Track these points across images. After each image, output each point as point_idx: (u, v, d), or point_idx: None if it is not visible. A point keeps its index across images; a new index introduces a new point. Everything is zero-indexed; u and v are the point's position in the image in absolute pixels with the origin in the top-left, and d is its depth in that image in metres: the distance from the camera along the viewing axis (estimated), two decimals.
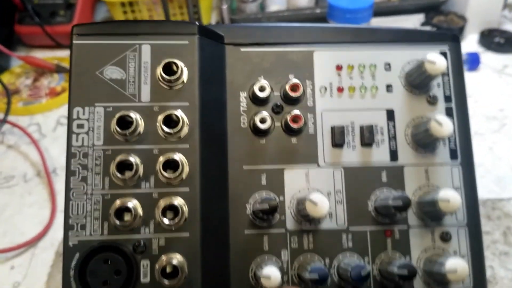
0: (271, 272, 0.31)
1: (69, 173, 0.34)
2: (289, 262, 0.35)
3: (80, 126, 0.34)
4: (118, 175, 0.33)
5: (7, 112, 0.69)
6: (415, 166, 0.37)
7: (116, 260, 0.32)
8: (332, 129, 0.37)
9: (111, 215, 0.32)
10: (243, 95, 0.37)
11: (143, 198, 0.33)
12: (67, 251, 0.32)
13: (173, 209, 0.33)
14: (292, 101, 0.37)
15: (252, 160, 0.36)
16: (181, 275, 0.31)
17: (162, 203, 0.33)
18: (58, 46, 0.85)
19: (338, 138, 0.36)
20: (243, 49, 0.37)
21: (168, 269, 0.32)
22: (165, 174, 0.33)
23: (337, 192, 0.36)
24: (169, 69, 0.34)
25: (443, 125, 0.34)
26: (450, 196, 0.33)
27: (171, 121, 0.33)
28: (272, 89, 0.36)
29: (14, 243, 0.56)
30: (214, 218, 0.34)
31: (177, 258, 0.32)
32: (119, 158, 0.33)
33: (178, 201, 0.33)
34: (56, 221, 0.59)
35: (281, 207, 0.35)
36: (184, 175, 0.33)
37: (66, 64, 0.80)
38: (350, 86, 0.38)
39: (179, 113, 0.33)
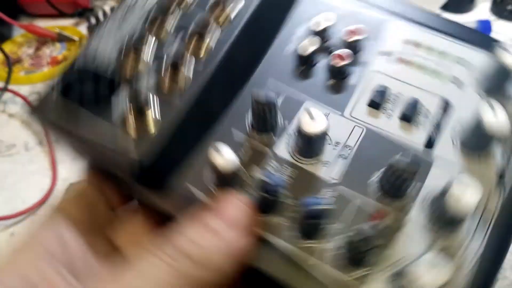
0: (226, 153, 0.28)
1: None
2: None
3: None
4: None
5: (7, 80, 0.68)
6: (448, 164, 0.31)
7: None
8: (375, 89, 0.34)
9: None
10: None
11: None
12: None
13: None
14: (347, 47, 0.35)
15: (281, 76, 0.34)
16: None
17: None
18: (60, 15, 0.84)
19: (376, 97, 0.33)
20: None
21: None
22: None
23: (347, 146, 0.32)
24: None
25: (498, 117, 0.29)
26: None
27: None
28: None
29: (16, 211, 0.56)
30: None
31: None
32: None
33: None
34: (56, 188, 0.59)
35: (280, 130, 0.32)
36: None
37: (68, 33, 0.79)
38: (412, 61, 0.35)
39: None
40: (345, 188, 0.30)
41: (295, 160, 0.31)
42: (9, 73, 0.70)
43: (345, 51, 0.34)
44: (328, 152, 0.32)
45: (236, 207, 0.28)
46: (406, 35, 0.36)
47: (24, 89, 0.72)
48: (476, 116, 0.30)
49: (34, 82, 0.73)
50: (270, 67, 0.35)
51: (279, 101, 0.33)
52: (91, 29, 0.77)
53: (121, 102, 0.31)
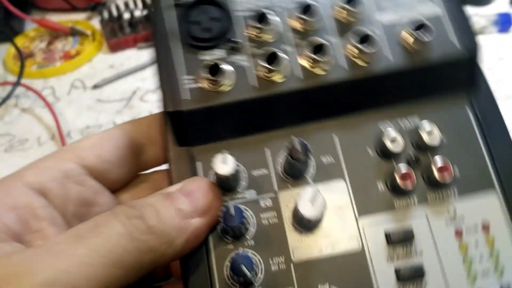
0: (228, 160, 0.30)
1: None
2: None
3: None
4: None
5: (20, 74, 0.68)
6: None
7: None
8: None
9: None
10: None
11: None
12: None
13: None
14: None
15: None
16: None
17: None
18: (73, 9, 0.83)
19: None
20: None
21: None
22: None
23: None
24: None
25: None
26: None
27: None
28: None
29: None
30: None
31: None
32: None
33: None
34: None
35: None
36: None
37: (80, 27, 0.78)
38: None
39: None
40: None
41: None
42: (22, 67, 0.69)
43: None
44: None
45: (203, 192, 0.30)
46: None
47: (37, 84, 0.71)
48: None
49: (46, 77, 0.73)
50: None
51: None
52: (104, 23, 0.76)
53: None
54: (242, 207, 0.31)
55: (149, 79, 0.71)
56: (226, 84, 0.31)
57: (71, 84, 0.72)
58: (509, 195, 0.32)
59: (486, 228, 0.31)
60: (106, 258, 0.26)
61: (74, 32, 0.78)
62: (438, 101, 0.34)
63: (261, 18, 0.32)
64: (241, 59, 0.32)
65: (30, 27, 0.82)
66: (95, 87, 0.70)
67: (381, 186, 0.32)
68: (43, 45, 0.78)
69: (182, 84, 0.31)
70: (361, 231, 0.31)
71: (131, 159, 0.35)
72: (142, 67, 0.72)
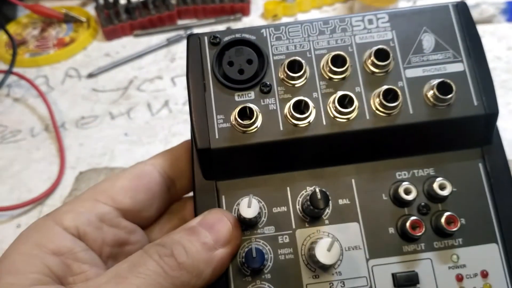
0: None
1: None
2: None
3: None
4: None
5: (12, 63, 0.65)
6: None
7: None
8: None
9: None
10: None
11: None
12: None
13: None
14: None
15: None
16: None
17: None
18: None
19: None
20: None
21: None
22: None
23: None
24: None
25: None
26: None
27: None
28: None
29: (21, 200, 0.53)
30: None
31: None
32: None
33: None
34: (64, 177, 0.56)
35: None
36: None
37: (75, 14, 0.76)
38: None
39: None
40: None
41: None
42: (14, 55, 0.67)
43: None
44: None
45: (223, 224, 0.33)
46: None
47: (30, 72, 0.69)
48: None
49: (39, 65, 0.70)
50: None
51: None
52: (99, 9, 0.73)
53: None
54: (261, 242, 0.34)
55: (146, 67, 0.68)
56: (255, 125, 0.33)
57: (65, 72, 0.69)
58: (509, 250, 0.34)
59: (485, 275, 0.34)
60: None
61: (68, 19, 0.76)
62: (453, 155, 0.36)
63: (294, 65, 0.34)
64: (271, 102, 0.34)
65: (23, 13, 0.79)
66: (90, 76, 0.68)
67: (392, 231, 0.34)
68: (36, 32, 0.75)
69: (212, 122, 0.34)
70: (370, 272, 0.34)
71: (163, 195, 0.37)
72: (138, 55, 0.70)
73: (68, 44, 0.72)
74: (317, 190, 0.32)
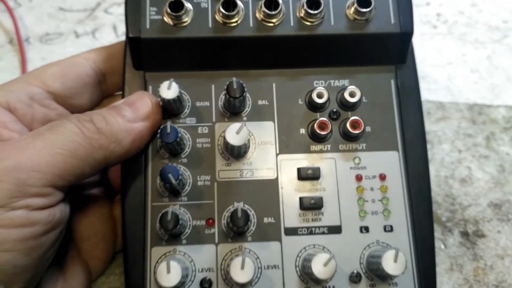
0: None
1: None
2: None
3: None
4: None
5: None
6: None
7: None
8: None
9: None
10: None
11: None
12: None
13: None
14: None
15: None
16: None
17: None
18: None
19: None
20: None
21: None
22: None
23: None
24: None
25: None
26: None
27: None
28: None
29: None
30: None
31: None
32: None
33: None
34: None
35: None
36: None
37: None
38: None
39: None
40: None
41: None
42: None
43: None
44: None
45: (143, 102, 0.35)
46: None
47: None
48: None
49: None
50: None
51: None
52: None
53: None
54: (181, 130, 0.35)
55: None
56: (185, 19, 0.35)
57: None
58: (408, 158, 0.37)
59: (382, 178, 0.37)
60: (62, 149, 0.30)
61: None
62: (368, 69, 0.39)
63: None
64: (203, 0, 0.36)
65: None
66: None
67: (303, 131, 0.38)
68: None
69: (145, 13, 0.35)
70: (279, 165, 0.37)
71: (94, 87, 0.39)
72: None
73: None
74: (234, 79, 0.34)
